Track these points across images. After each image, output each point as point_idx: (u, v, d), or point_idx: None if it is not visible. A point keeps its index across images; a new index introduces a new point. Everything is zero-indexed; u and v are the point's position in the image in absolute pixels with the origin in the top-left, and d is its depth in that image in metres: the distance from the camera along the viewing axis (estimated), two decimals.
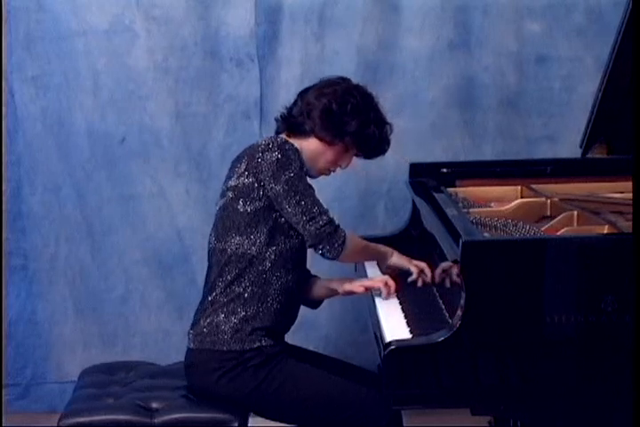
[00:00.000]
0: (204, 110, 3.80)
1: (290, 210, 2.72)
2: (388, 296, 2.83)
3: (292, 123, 2.85)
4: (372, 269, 3.10)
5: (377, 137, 2.85)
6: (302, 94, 2.87)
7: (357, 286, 2.88)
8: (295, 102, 2.87)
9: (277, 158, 2.72)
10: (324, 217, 2.73)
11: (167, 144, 3.81)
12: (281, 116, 2.89)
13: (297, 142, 2.82)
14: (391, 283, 2.84)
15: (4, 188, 3.79)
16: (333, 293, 2.96)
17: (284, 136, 2.83)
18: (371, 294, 2.90)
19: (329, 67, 3.75)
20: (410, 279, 2.91)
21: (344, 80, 2.89)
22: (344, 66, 3.74)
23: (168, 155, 3.82)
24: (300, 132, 2.83)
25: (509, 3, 3.78)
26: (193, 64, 3.78)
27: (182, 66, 3.77)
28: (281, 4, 3.76)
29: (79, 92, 3.77)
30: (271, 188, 2.72)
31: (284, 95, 3.73)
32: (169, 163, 3.83)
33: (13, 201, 3.82)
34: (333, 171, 2.91)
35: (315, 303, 3.02)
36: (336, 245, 2.74)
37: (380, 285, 2.84)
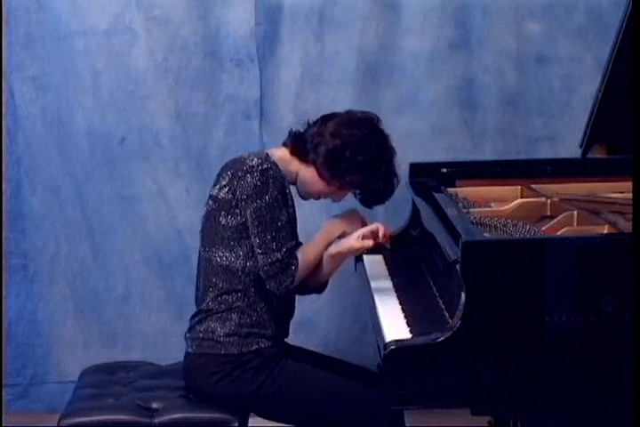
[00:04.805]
0: (203, 110, 3.80)
1: (252, 238, 2.70)
2: (385, 241, 2.77)
3: (299, 145, 2.80)
4: (368, 265, 3.10)
5: (380, 190, 2.81)
6: (324, 120, 2.80)
7: (356, 239, 2.75)
8: (315, 123, 2.81)
9: (255, 184, 2.67)
10: (277, 255, 2.68)
11: (167, 144, 3.81)
12: (295, 132, 2.84)
13: (296, 163, 2.80)
14: (382, 227, 2.77)
15: (3, 188, 3.79)
16: (336, 259, 2.81)
17: (274, 157, 2.75)
18: (370, 291, 2.89)
19: (329, 67, 3.75)
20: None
21: (368, 123, 2.78)
22: (344, 66, 3.74)
23: (168, 155, 3.82)
24: (303, 158, 2.80)
25: (509, 3, 3.78)
26: (193, 64, 3.77)
27: (182, 66, 3.77)
28: (281, 3, 3.76)
29: (79, 92, 3.77)
30: (243, 210, 2.69)
31: (284, 95, 3.75)
32: (169, 163, 3.82)
33: (13, 201, 3.82)
34: (324, 198, 2.88)
35: (318, 288, 2.92)
36: (283, 286, 2.70)
37: (379, 227, 2.75)
